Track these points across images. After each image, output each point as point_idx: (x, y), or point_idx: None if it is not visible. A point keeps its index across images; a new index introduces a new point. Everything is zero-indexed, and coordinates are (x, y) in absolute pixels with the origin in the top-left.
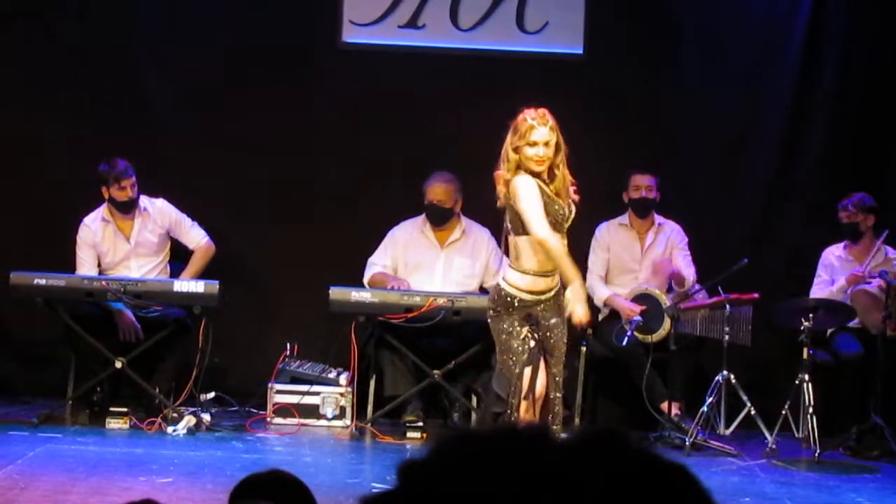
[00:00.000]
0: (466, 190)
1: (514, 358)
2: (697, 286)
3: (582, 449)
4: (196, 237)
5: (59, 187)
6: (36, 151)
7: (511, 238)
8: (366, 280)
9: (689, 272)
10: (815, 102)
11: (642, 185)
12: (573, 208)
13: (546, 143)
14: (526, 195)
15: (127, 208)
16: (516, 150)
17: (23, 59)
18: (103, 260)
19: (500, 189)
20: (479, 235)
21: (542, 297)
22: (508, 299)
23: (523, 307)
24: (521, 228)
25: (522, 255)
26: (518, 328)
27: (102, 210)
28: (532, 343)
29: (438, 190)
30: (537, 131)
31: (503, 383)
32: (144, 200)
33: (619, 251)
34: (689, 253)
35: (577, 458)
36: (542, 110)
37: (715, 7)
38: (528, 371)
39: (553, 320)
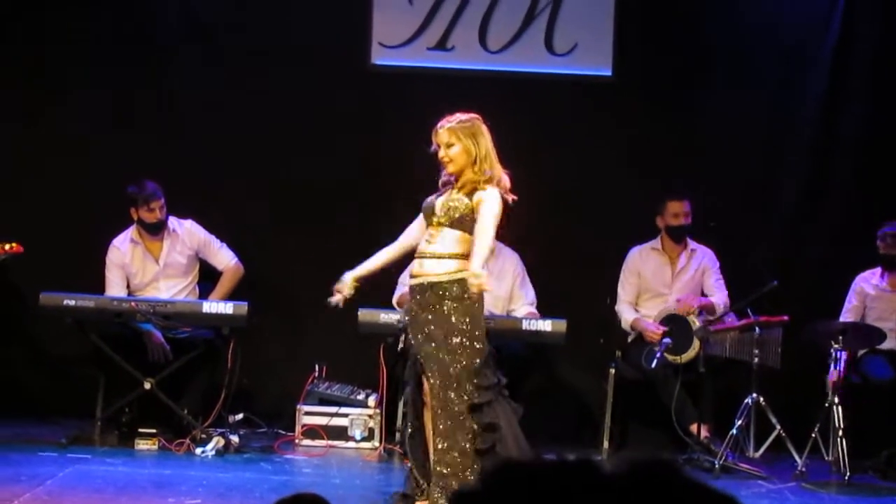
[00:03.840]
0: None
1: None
2: (731, 314)
3: (634, 483)
4: (225, 258)
5: (90, 208)
6: (67, 173)
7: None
8: (395, 300)
9: (718, 298)
10: (845, 124)
11: (680, 212)
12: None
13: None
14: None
15: (156, 230)
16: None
17: (55, 78)
18: (132, 281)
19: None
20: (508, 258)
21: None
22: None
23: None
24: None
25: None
26: None
27: (131, 231)
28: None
29: None
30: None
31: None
32: (173, 222)
33: (650, 276)
34: (721, 277)
35: (630, 493)
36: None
37: (744, 28)
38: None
39: None
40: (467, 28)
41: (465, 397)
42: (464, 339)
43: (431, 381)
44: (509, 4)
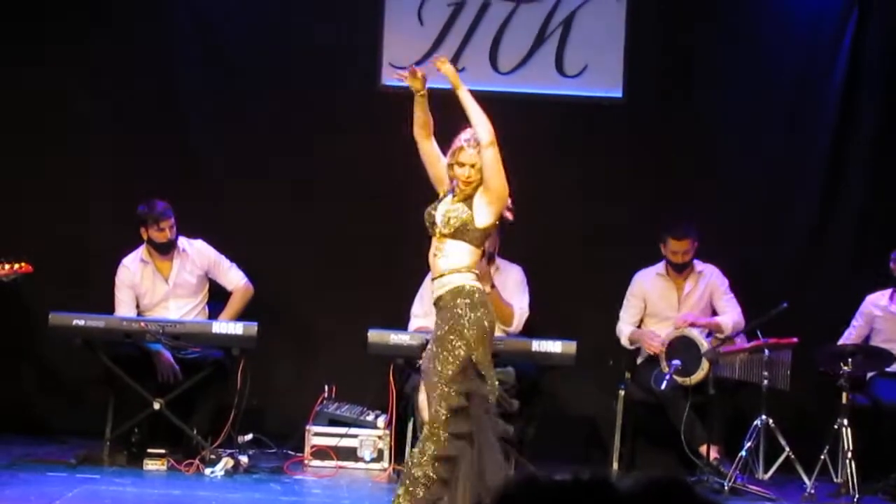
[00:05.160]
0: (503, 231)
1: None
2: (740, 336)
3: (649, 501)
4: (234, 279)
5: (99, 228)
6: (76, 193)
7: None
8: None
9: (728, 317)
10: (857, 145)
11: (679, 250)
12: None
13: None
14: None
15: (166, 249)
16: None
17: (66, 99)
18: (142, 301)
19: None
20: (510, 271)
21: None
22: None
23: None
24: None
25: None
26: None
27: (141, 251)
28: None
29: None
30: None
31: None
32: (183, 241)
33: (656, 300)
34: (731, 295)
35: None
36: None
37: (754, 50)
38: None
39: None
40: (478, 49)
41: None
42: (459, 341)
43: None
44: (520, 26)
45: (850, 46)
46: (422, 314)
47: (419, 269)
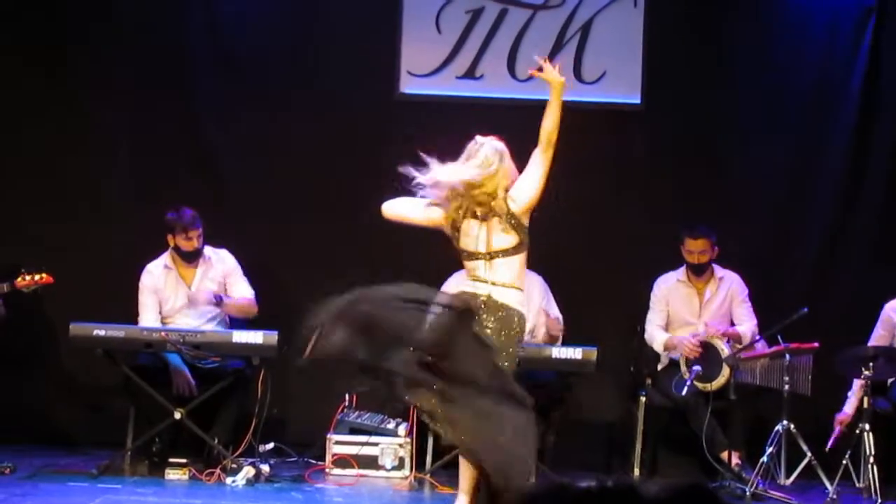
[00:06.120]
0: None
1: None
2: (759, 338)
3: None
4: (244, 289)
5: (119, 238)
6: (96, 204)
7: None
8: None
9: (746, 328)
10: (873, 151)
11: (695, 250)
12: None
13: None
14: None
15: (191, 258)
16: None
17: (87, 106)
18: (164, 307)
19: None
20: (532, 282)
21: None
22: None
23: None
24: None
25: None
26: None
27: (166, 257)
28: None
29: None
30: None
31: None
32: (208, 250)
33: (678, 306)
34: (749, 304)
35: None
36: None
37: (772, 57)
38: None
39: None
40: (496, 56)
41: None
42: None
43: None
44: (538, 33)
45: (868, 56)
46: None
47: (438, 273)
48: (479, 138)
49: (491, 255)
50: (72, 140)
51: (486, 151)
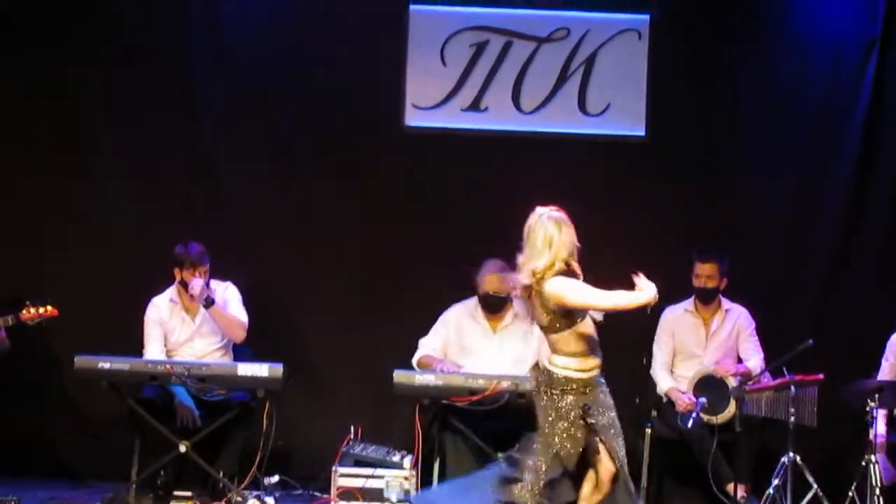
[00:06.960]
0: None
1: (558, 440)
2: (766, 373)
3: None
4: (237, 311)
5: (123, 271)
6: (101, 237)
7: (547, 336)
8: (414, 361)
9: (754, 363)
10: (878, 181)
11: (703, 274)
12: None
13: None
14: (571, 289)
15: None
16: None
17: (89, 145)
18: (169, 339)
19: (526, 282)
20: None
21: (593, 373)
22: (563, 380)
23: (579, 388)
24: (557, 326)
25: (561, 343)
26: (569, 410)
27: (172, 291)
28: (582, 430)
29: (494, 280)
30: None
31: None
32: (214, 284)
33: (684, 337)
34: (756, 338)
35: None
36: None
37: (775, 88)
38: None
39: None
40: (501, 89)
41: None
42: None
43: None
44: (542, 65)
45: (872, 81)
46: (429, 347)
47: (443, 305)
48: (537, 211)
49: None
50: (76, 174)
51: (535, 239)
